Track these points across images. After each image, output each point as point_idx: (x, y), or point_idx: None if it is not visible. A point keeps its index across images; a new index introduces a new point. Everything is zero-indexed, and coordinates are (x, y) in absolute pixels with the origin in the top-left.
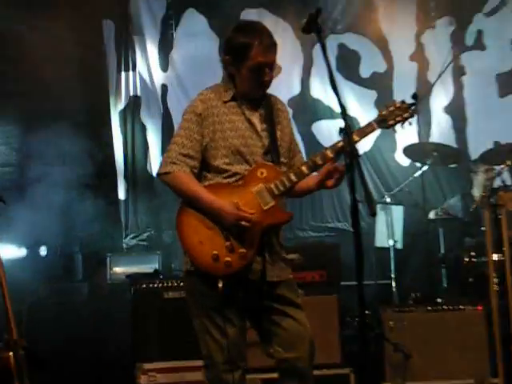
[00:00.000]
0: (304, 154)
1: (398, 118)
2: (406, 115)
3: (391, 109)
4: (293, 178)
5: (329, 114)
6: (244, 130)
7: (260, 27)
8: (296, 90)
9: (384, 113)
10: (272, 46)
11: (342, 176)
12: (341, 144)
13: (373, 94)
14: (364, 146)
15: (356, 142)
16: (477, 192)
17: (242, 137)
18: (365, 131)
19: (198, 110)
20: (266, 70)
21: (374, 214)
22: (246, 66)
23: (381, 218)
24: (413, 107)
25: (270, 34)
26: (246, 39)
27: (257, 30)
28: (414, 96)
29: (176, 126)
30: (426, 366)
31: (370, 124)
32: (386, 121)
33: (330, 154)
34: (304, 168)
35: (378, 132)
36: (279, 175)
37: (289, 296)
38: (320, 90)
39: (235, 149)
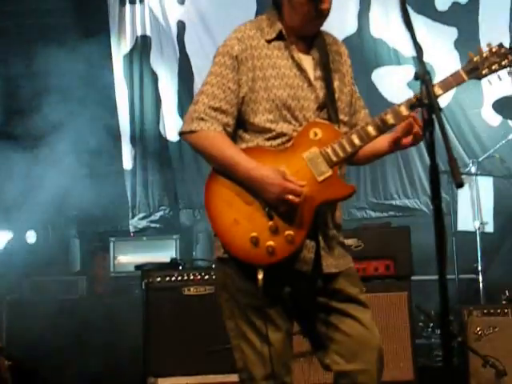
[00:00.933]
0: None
1: (495, 67)
2: (504, 63)
3: (485, 54)
4: (356, 141)
5: (394, 58)
6: (293, 78)
7: None
8: (352, 27)
9: (476, 59)
10: None
11: (422, 131)
12: (418, 97)
13: (452, 32)
14: (440, 100)
15: (439, 95)
16: None
17: (290, 87)
18: (450, 82)
19: (234, 51)
20: None
21: (460, 185)
22: None
23: (464, 194)
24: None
25: None
26: None
27: None
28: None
29: (197, 76)
30: None
31: (457, 73)
32: (479, 69)
33: (404, 110)
34: (370, 129)
35: None
36: (338, 137)
37: (350, 291)
38: (382, 28)
39: (281, 102)
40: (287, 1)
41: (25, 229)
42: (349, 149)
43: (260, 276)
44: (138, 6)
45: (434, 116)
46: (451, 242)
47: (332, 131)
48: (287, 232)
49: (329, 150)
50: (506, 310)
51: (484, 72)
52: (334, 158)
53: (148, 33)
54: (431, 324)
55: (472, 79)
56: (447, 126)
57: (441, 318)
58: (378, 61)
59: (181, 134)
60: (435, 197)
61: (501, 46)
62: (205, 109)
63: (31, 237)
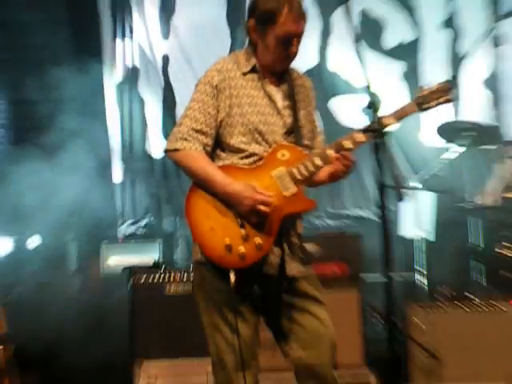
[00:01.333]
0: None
1: (440, 100)
2: (447, 98)
3: (430, 89)
4: (318, 162)
5: (348, 88)
6: (264, 107)
7: None
8: (313, 61)
9: (424, 93)
10: (302, 16)
11: (350, 168)
12: (370, 125)
13: (400, 66)
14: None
15: (391, 124)
16: (495, 183)
17: (261, 113)
18: (403, 112)
19: (214, 81)
20: (294, 40)
21: (401, 200)
22: (273, 34)
23: (407, 206)
24: (452, 89)
25: (300, 3)
26: (275, 4)
27: None
28: (454, 78)
29: (178, 102)
30: (456, 370)
31: (409, 105)
32: (427, 102)
33: (359, 136)
34: (330, 151)
35: None
36: (302, 158)
37: (309, 291)
38: (339, 62)
39: (253, 126)
40: (261, 42)
41: (29, 234)
42: (311, 168)
43: (232, 277)
44: (127, 40)
45: (382, 140)
46: (399, 247)
47: (297, 153)
48: (256, 240)
49: (294, 170)
50: (443, 306)
51: (432, 104)
52: (299, 177)
53: (137, 65)
54: (379, 318)
55: (420, 111)
56: (394, 149)
57: (386, 312)
58: (335, 90)
59: (166, 151)
60: (382, 210)
61: (446, 82)
62: (188, 130)
63: (36, 241)
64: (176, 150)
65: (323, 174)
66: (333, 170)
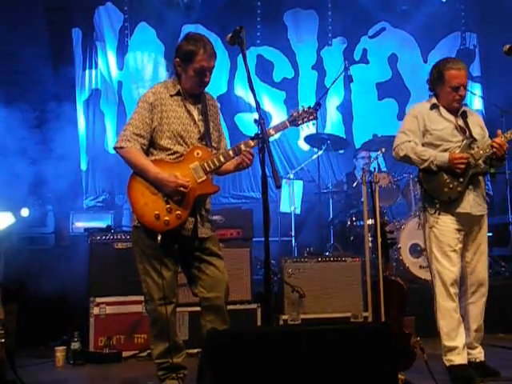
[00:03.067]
0: (228, 140)
1: (305, 119)
2: (311, 118)
3: (300, 111)
4: (222, 159)
5: (248, 108)
6: (184, 119)
7: (205, 39)
8: (223, 88)
9: (295, 114)
10: (213, 55)
11: (251, 161)
12: (256, 134)
13: (282, 95)
14: (275, 135)
15: (272, 135)
16: (358, 172)
17: (182, 124)
18: (279, 127)
19: (150, 99)
20: (207, 72)
21: (278, 187)
22: (192, 67)
23: (285, 190)
24: (316, 112)
25: (212, 46)
26: (193, 47)
27: (202, 41)
28: (318, 104)
29: (128, 114)
30: (315, 303)
31: (283, 122)
32: (296, 120)
33: (251, 142)
34: (231, 152)
35: None
36: (211, 156)
37: (213, 249)
38: (242, 90)
39: (177, 133)
40: (184, 73)
41: (20, 207)
42: (217, 163)
43: (159, 238)
44: (93, 70)
45: (265, 145)
46: (277, 218)
47: (207, 152)
48: (177, 212)
49: (205, 164)
50: (307, 260)
51: (299, 122)
52: (208, 169)
53: (99, 87)
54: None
55: (292, 126)
56: (275, 150)
57: (265, 262)
58: (238, 110)
59: (114, 148)
60: (263, 192)
61: (310, 107)
62: (130, 134)
63: (26, 211)
64: (121, 147)
65: (232, 165)
66: (239, 162)
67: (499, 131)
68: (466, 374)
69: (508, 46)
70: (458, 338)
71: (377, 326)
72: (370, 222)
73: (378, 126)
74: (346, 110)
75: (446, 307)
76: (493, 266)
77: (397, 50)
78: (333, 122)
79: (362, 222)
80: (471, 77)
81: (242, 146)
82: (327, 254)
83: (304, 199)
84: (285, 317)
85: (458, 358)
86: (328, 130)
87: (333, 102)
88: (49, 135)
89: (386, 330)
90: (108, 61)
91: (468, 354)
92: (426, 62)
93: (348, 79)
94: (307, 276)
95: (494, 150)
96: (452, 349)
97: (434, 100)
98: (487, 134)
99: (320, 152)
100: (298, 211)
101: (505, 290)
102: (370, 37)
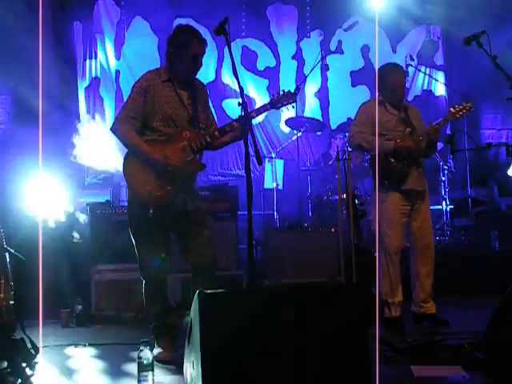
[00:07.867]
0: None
1: (285, 102)
2: (290, 101)
3: (280, 95)
4: (208, 139)
5: (235, 94)
6: (175, 103)
7: (195, 30)
8: (211, 76)
9: (275, 98)
10: (203, 43)
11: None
12: (240, 116)
13: (266, 82)
14: (259, 118)
15: (254, 117)
16: (334, 151)
17: (173, 107)
18: (261, 110)
19: (143, 85)
20: (200, 58)
21: (260, 164)
22: (187, 55)
23: (268, 168)
24: (295, 96)
25: (202, 35)
26: (188, 37)
27: (194, 31)
28: (297, 88)
29: (125, 99)
30: (295, 270)
31: (265, 105)
32: (277, 103)
33: (235, 124)
34: (216, 132)
35: None
36: (198, 136)
37: (202, 220)
38: (228, 78)
39: (168, 115)
40: (179, 61)
41: None
42: (204, 143)
43: (151, 211)
44: (93, 60)
45: (248, 126)
46: (261, 194)
47: (195, 133)
48: (168, 187)
49: (193, 144)
50: (287, 230)
51: (279, 105)
52: (195, 148)
53: (99, 75)
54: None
55: (273, 109)
56: (259, 132)
57: (248, 233)
58: (226, 95)
59: (111, 129)
60: (246, 168)
61: (289, 91)
62: (125, 117)
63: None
64: (117, 129)
65: (228, 138)
66: (234, 135)
67: (430, 121)
68: (398, 325)
69: (467, 37)
70: (397, 296)
71: (348, 286)
72: (343, 196)
73: (351, 110)
74: (322, 95)
75: (389, 272)
76: (454, 235)
77: (368, 42)
78: (311, 106)
79: (336, 197)
80: (435, 65)
81: (227, 128)
82: (306, 225)
83: (285, 176)
84: (268, 282)
85: (394, 312)
86: (307, 113)
87: (311, 88)
88: (55, 119)
89: (356, 290)
90: (106, 52)
91: (422, 307)
92: (394, 52)
93: (325, 68)
94: (287, 245)
95: (430, 136)
96: (391, 304)
97: (381, 98)
98: (423, 124)
99: (299, 134)
100: (280, 187)
101: (464, 256)
102: (345, 29)
